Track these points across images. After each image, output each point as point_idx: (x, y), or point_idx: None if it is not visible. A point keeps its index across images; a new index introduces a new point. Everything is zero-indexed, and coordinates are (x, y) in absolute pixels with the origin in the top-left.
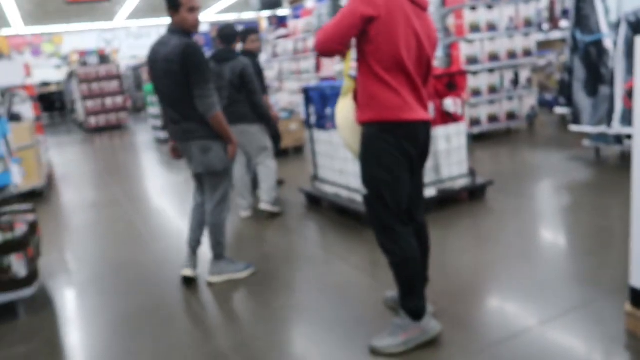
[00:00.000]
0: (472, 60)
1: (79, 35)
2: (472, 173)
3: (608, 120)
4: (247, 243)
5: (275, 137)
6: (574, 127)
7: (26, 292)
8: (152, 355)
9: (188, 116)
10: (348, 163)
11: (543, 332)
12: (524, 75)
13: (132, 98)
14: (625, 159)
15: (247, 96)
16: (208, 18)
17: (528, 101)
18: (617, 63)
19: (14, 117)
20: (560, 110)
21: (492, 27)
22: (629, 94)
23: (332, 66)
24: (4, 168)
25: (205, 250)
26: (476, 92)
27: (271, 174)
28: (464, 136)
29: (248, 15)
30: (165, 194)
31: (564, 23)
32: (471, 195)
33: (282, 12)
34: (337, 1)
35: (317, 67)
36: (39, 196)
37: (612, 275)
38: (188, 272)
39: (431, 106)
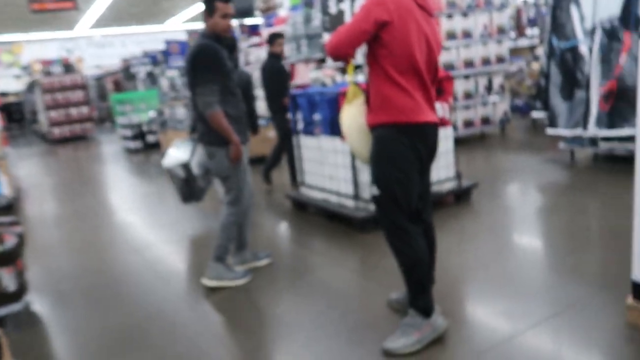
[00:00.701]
0: (449, 67)
1: (40, 45)
2: (458, 176)
3: (584, 123)
4: None
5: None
6: (550, 131)
7: (15, 307)
8: None
9: (200, 119)
10: (338, 169)
11: (536, 333)
12: (497, 81)
13: (96, 108)
14: (598, 161)
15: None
16: (177, 27)
17: (501, 106)
18: (592, 68)
19: None
20: (536, 114)
21: (467, 35)
22: (605, 98)
23: (307, 73)
24: None
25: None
26: (452, 98)
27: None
28: (451, 140)
29: None
30: (139, 205)
31: (530, 31)
32: (457, 197)
33: (252, 20)
34: (310, 9)
35: (291, 75)
36: (7, 209)
37: (602, 272)
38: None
39: None
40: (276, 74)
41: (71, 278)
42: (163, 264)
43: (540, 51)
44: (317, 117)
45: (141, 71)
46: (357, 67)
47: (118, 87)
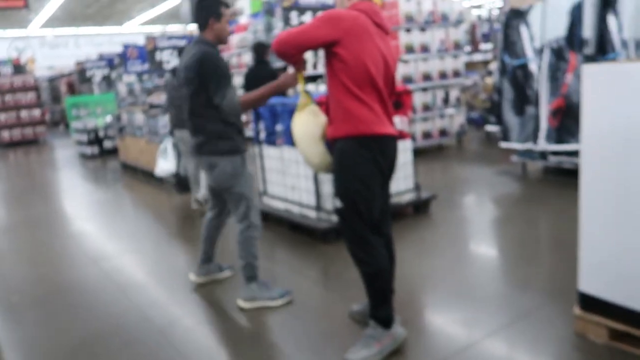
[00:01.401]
0: (408, 80)
1: None
2: (417, 188)
3: (534, 137)
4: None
5: None
6: (503, 144)
7: None
8: None
9: (198, 129)
10: (300, 179)
11: (492, 342)
12: (454, 94)
13: (49, 111)
14: (548, 173)
15: None
16: (134, 30)
17: (458, 119)
18: (541, 86)
19: None
20: (490, 127)
21: (425, 49)
22: (553, 114)
23: None
24: None
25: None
26: (411, 109)
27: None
28: (409, 152)
29: (174, 28)
30: (95, 212)
31: (484, 46)
32: (416, 209)
33: None
34: (271, 18)
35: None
36: None
37: (551, 282)
38: (191, 276)
39: None
40: (270, 78)
41: (23, 290)
42: (121, 275)
43: (494, 66)
44: (279, 127)
45: (97, 74)
46: (318, 78)
47: (72, 89)
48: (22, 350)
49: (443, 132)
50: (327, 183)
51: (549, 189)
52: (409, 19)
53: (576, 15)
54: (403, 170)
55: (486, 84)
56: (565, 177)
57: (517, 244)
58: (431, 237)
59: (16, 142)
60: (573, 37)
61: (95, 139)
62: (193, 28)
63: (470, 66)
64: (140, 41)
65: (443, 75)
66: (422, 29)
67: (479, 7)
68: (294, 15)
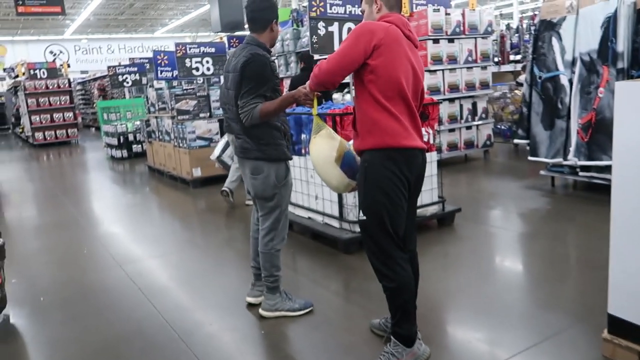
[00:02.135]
0: (434, 90)
1: (25, 47)
2: (442, 200)
3: (564, 152)
4: (227, 266)
5: None
6: (531, 158)
7: None
8: None
9: (243, 133)
10: (324, 189)
11: None
12: (481, 105)
13: (81, 114)
14: (578, 189)
15: None
16: (164, 36)
17: (485, 131)
18: (572, 99)
19: None
20: (518, 141)
21: (452, 59)
22: (584, 129)
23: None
24: None
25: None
26: (437, 121)
27: None
28: (435, 165)
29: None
30: (122, 215)
31: (513, 57)
32: (440, 222)
33: (242, 34)
34: (300, 27)
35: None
36: None
37: (579, 302)
38: (248, 299)
39: None
40: None
41: (51, 291)
42: (145, 279)
43: (523, 78)
44: (304, 136)
45: (128, 79)
46: (345, 87)
47: (104, 93)
48: (48, 350)
49: (469, 144)
50: (351, 194)
51: (579, 205)
52: (437, 29)
53: (610, 28)
54: (428, 183)
55: (515, 95)
56: (596, 193)
57: (544, 261)
58: (455, 251)
59: (49, 143)
60: (606, 50)
61: (124, 143)
62: (222, 35)
63: (498, 77)
64: (171, 47)
65: (470, 86)
66: (450, 40)
67: (508, 17)
68: (320, 25)
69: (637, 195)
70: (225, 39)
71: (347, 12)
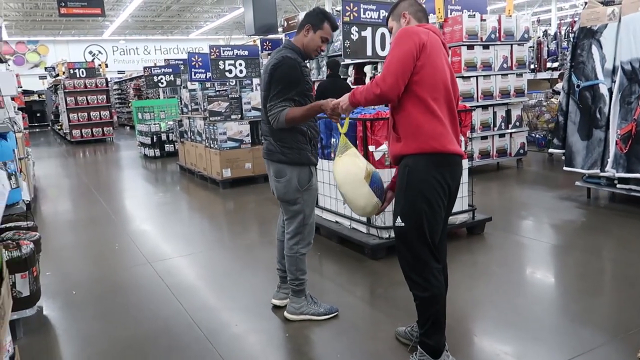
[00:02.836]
0: (467, 97)
1: (65, 47)
2: (472, 208)
3: (601, 163)
4: (254, 267)
5: None
6: (567, 168)
7: (27, 313)
8: None
9: (269, 134)
10: None
11: None
12: (515, 113)
13: (117, 113)
14: (615, 201)
15: None
16: (200, 38)
17: (518, 139)
18: (613, 109)
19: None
20: (553, 150)
21: (487, 66)
22: (623, 140)
23: None
24: (15, 184)
25: None
26: (470, 128)
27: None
28: (466, 172)
29: (238, 37)
30: (153, 213)
31: (550, 64)
32: (469, 230)
33: (274, 37)
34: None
35: None
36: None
37: (614, 319)
38: (274, 301)
39: None
40: (344, 90)
41: (83, 285)
42: (173, 277)
43: (560, 86)
44: (334, 140)
45: (163, 80)
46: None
47: (139, 93)
48: (78, 344)
49: (502, 152)
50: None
51: (615, 218)
52: (472, 35)
53: None
54: (459, 191)
55: (551, 103)
56: (634, 206)
57: (577, 274)
58: (484, 260)
59: (86, 140)
60: None
61: (157, 142)
62: (256, 38)
63: (534, 85)
64: (205, 49)
65: (505, 94)
66: (485, 46)
67: (546, 23)
68: (354, 30)
69: None
70: (258, 42)
71: (381, 18)
